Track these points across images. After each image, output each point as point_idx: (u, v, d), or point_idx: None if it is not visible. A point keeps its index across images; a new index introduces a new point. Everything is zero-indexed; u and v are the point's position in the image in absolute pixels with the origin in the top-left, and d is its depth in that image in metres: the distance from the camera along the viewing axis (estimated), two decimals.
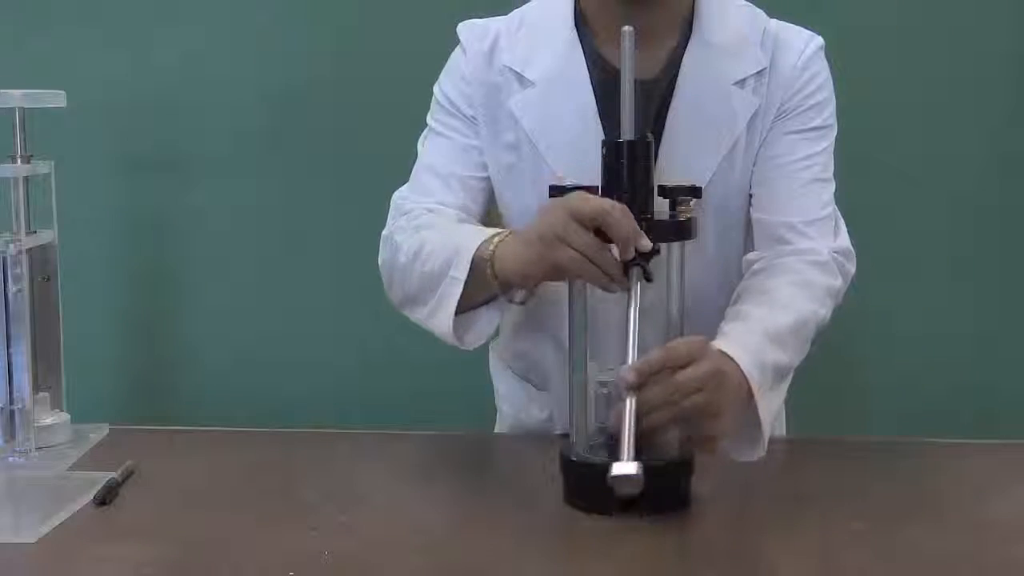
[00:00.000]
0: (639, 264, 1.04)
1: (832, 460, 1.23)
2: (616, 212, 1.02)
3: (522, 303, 1.15)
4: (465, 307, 1.15)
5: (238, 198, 1.95)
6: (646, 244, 1.03)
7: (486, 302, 1.16)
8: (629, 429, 1.00)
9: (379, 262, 1.26)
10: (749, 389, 1.07)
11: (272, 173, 1.95)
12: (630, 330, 1.03)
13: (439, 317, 1.15)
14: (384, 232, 1.27)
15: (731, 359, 1.07)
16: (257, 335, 1.96)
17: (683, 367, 1.03)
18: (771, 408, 1.08)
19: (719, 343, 1.09)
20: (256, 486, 1.17)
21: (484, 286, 1.12)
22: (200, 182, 1.96)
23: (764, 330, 1.11)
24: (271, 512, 1.10)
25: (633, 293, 1.04)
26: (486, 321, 1.17)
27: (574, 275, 1.05)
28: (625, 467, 0.98)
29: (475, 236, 1.14)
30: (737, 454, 1.11)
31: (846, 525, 1.05)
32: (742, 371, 1.06)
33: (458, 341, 1.16)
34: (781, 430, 1.36)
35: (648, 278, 1.04)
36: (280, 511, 1.10)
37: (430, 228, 1.20)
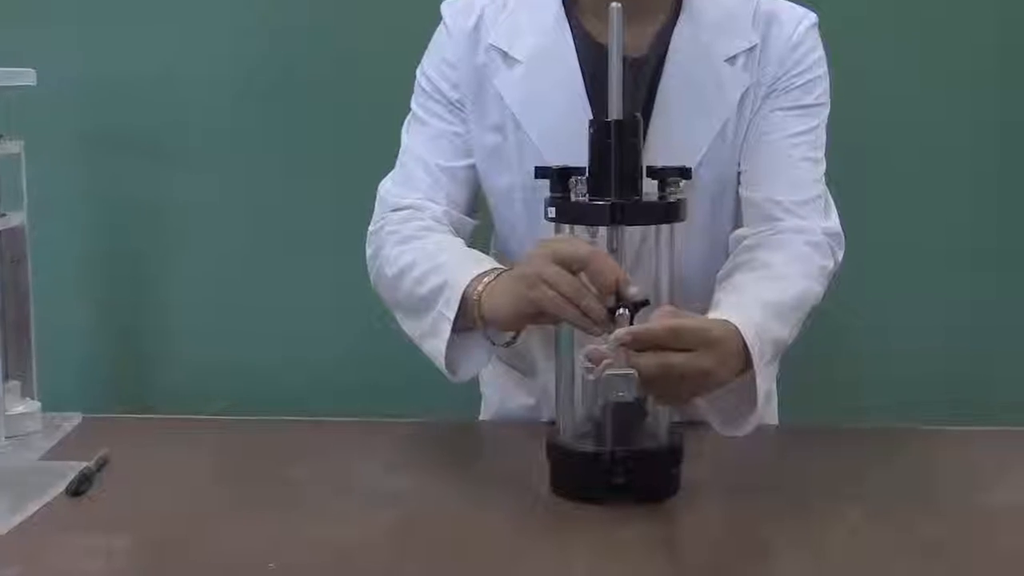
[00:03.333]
0: (626, 307, 1.02)
1: (826, 448, 1.23)
2: (600, 258, 1.03)
3: (507, 345, 1.15)
4: (455, 336, 1.15)
5: (218, 183, 1.95)
6: (633, 292, 1.02)
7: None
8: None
9: (366, 257, 1.27)
10: (745, 361, 1.05)
11: (255, 158, 1.94)
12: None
13: (430, 346, 1.16)
14: (371, 227, 1.27)
15: (731, 325, 1.05)
16: (236, 323, 1.96)
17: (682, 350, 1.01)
18: (765, 384, 1.07)
19: (718, 312, 1.08)
20: (235, 476, 1.17)
21: (472, 323, 1.14)
22: (180, 167, 1.95)
23: (763, 302, 1.11)
24: (251, 502, 1.10)
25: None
26: (476, 362, 1.17)
27: (556, 317, 1.05)
28: (620, 368, 0.96)
29: (465, 270, 1.14)
30: (725, 429, 1.10)
31: (841, 513, 1.05)
32: (743, 341, 1.05)
33: (451, 374, 1.17)
34: (773, 417, 1.36)
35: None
36: (260, 501, 1.10)
37: (418, 248, 1.20)
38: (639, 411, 1.09)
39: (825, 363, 1.81)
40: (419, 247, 1.21)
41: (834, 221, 1.25)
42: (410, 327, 1.20)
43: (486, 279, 1.12)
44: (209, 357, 1.96)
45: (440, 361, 1.15)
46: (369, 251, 1.27)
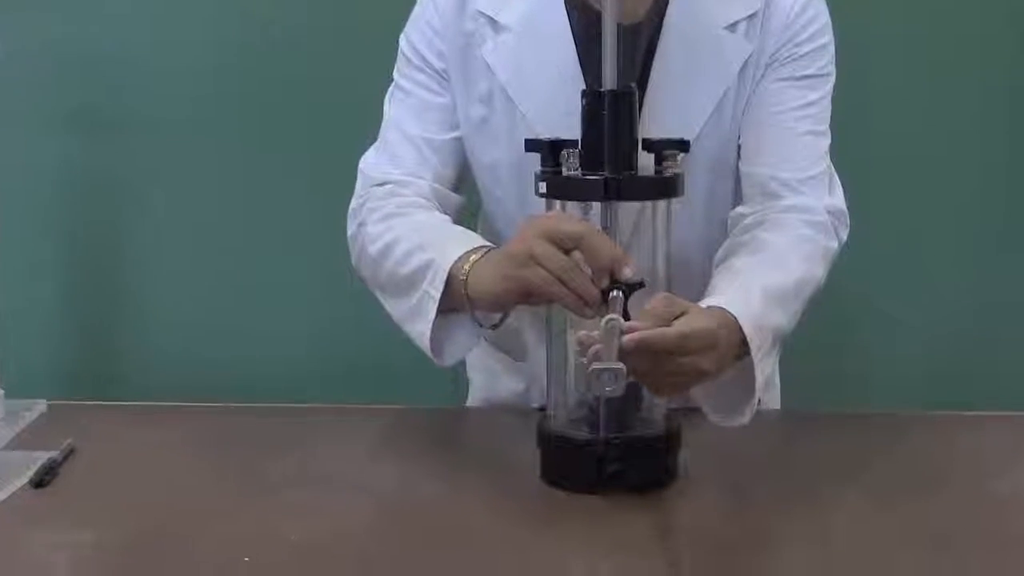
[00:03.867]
0: (620, 289, 1.01)
1: (830, 434, 1.22)
2: (595, 236, 1.01)
3: (496, 327, 1.14)
4: (441, 317, 1.14)
5: (191, 159, 1.92)
6: (629, 274, 1.01)
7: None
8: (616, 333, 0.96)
9: (347, 235, 1.25)
10: (742, 351, 1.05)
11: (230, 133, 1.91)
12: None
13: (414, 328, 1.15)
14: (352, 204, 1.26)
15: (730, 316, 1.04)
16: (209, 304, 1.94)
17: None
18: (764, 373, 1.07)
19: (715, 299, 1.07)
20: (209, 466, 1.16)
21: (458, 303, 1.12)
22: (150, 142, 1.92)
23: (764, 289, 1.10)
24: (225, 494, 1.09)
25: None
26: (463, 345, 1.16)
27: (545, 297, 1.04)
28: (608, 363, 0.95)
29: (450, 248, 1.13)
30: (722, 420, 1.10)
31: (845, 501, 1.05)
32: (741, 331, 1.04)
33: (436, 358, 1.15)
34: (776, 403, 1.35)
35: (627, 316, 1.01)
36: (234, 493, 1.09)
37: (402, 225, 1.19)
38: (634, 397, 1.07)
39: (831, 350, 1.80)
40: (403, 224, 1.19)
41: (838, 198, 1.23)
42: (393, 308, 1.19)
43: (473, 257, 1.11)
44: (181, 343, 1.94)
45: (425, 343, 1.14)
46: (350, 229, 1.25)
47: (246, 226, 1.93)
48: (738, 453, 1.15)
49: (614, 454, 1.05)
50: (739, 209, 1.23)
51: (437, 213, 1.23)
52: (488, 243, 1.15)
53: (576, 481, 1.06)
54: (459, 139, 1.26)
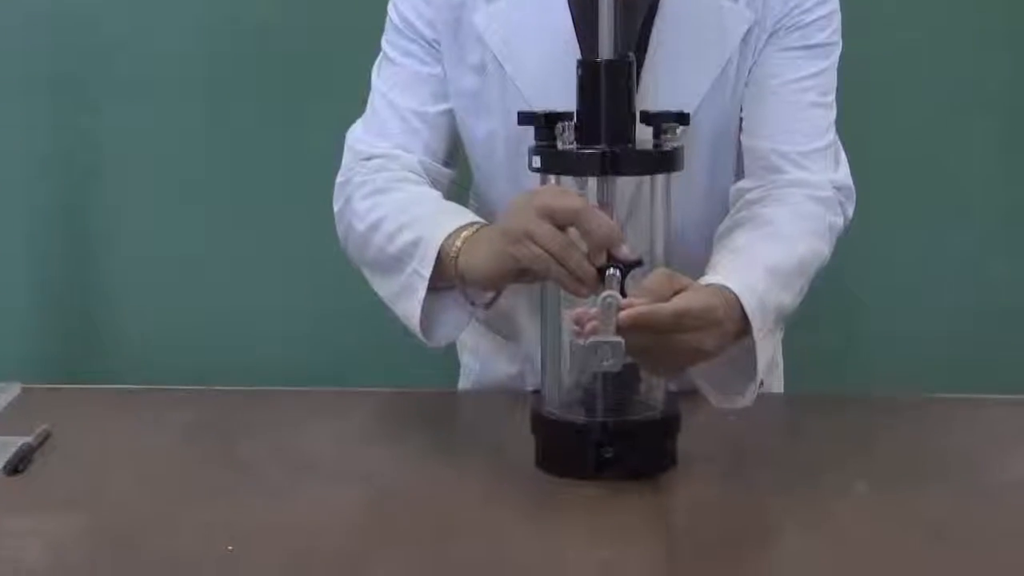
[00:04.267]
0: (617, 267, 1.01)
1: (832, 417, 1.21)
2: (591, 213, 1.01)
3: (488, 306, 1.13)
4: (431, 296, 1.13)
5: (166, 125, 1.89)
6: (626, 252, 1.01)
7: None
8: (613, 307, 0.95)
9: (334, 210, 1.24)
10: (743, 329, 1.04)
11: (208, 97, 1.88)
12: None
13: (402, 307, 1.14)
14: (338, 179, 1.24)
15: (730, 293, 1.03)
16: (188, 282, 1.92)
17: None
18: (766, 353, 1.06)
19: (716, 276, 1.06)
20: (189, 452, 1.15)
21: (449, 282, 1.11)
22: (122, 108, 1.89)
23: (766, 266, 1.09)
24: (206, 481, 1.08)
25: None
26: (454, 325, 1.15)
27: (539, 275, 1.03)
28: (606, 336, 0.94)
29: (441, 224, 1.12)
30: (722, 402, 1.09)
31: (847, 488, 1.04)
32: (742, 309, 1.03)
33: (426, 339, 1.14)
34: (778, 386, 1.34)
35: (624, 295, 1.00)
36: (216, 480, 1.08)
37: (390, 200, 1.18)
38: (632, 379, 1.07)
39: (830, 325, 1.80)
40: (391, 200, 1.18)
41: (844, 173, 1.22)
42: (381, 287, 1.17)
43: (465, 233, 1.10)
44: (160, 325, 1.92)
45: (414, 324, 1.12)
46: (337, 205, 1.24)
47: (226, 204, 1.91)
48: (739, 437, 1.14)
49: (611, 439, 1.04)
50: (741, 184, 1.22)
51: (427, 188, 1.21)
52: (480, 219, 1.13)
53: (571, 467, 1.05)
54: (450, 111, 1.24)
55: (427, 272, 1.11)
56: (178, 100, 1.90)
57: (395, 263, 1.14)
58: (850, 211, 1.22)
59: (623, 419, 1.06)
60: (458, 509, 1.02)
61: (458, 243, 1.09)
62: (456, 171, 1.28)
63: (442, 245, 1.10)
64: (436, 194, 1.21)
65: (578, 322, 1.00)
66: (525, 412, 1.10)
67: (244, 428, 1.21)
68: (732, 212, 1.20)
